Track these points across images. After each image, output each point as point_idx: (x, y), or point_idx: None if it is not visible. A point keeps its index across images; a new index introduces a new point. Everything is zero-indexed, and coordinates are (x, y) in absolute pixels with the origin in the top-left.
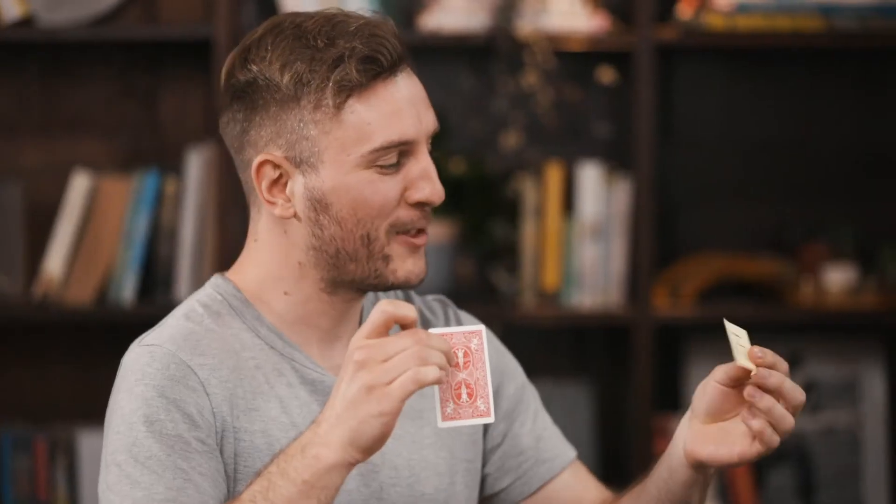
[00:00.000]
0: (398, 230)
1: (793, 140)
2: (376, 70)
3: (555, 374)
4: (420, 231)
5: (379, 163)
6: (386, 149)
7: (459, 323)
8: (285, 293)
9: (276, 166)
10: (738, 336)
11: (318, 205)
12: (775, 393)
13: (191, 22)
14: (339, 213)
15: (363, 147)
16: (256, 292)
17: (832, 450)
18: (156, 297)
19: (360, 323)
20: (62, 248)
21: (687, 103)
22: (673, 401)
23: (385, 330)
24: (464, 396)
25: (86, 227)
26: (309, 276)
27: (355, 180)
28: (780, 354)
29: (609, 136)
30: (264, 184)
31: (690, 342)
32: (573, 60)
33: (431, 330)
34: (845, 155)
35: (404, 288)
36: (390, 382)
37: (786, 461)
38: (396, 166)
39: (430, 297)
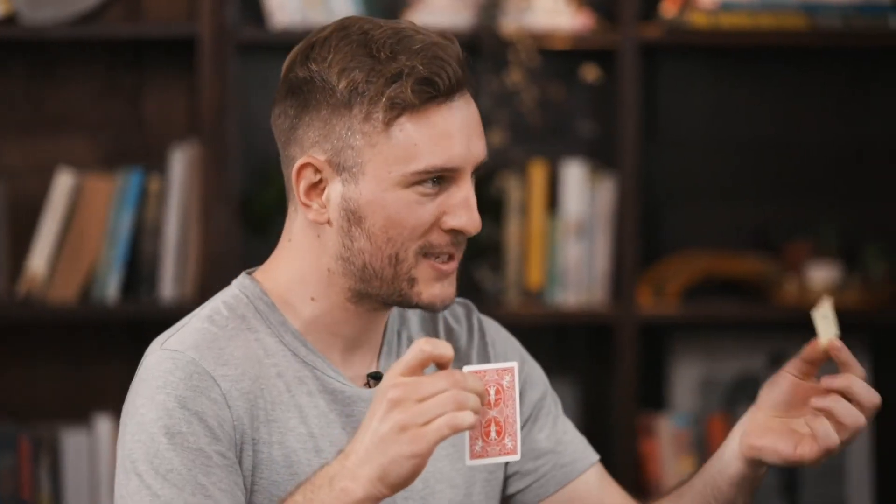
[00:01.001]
0: (427, 253)
1: (777, 138)
2: (431, 93)
3: None
4: (450, 257)
5: (419, 184)
6: (429, 172)
7: (482, 330)
8: (312, 298)
9: (318, 170)
10: (822, 314)
11: (353, 216)
12: (849, 391)
13: (174, 20)
14: (371, 228)
15: (407, 167)
16: (283, 295)
17: None
18: (140, 296)
19: (384, 334)
20: (46, 246)
21: (671, 102)
22: (657, 399)
23: (421, 369)
24: (493, 434)
25: (69, 225)
26: (337, 284)
27: (393, 198)
28: (764, 352)
29: (593, 134)
30: (303, 185)
31: (675, 341)
32: (557, 59)
33: (466, 368)
34: (829, 153)
35: (428, 310)
36: (425, 424)
37: None
38: (437, 190)
39: (456, 305)
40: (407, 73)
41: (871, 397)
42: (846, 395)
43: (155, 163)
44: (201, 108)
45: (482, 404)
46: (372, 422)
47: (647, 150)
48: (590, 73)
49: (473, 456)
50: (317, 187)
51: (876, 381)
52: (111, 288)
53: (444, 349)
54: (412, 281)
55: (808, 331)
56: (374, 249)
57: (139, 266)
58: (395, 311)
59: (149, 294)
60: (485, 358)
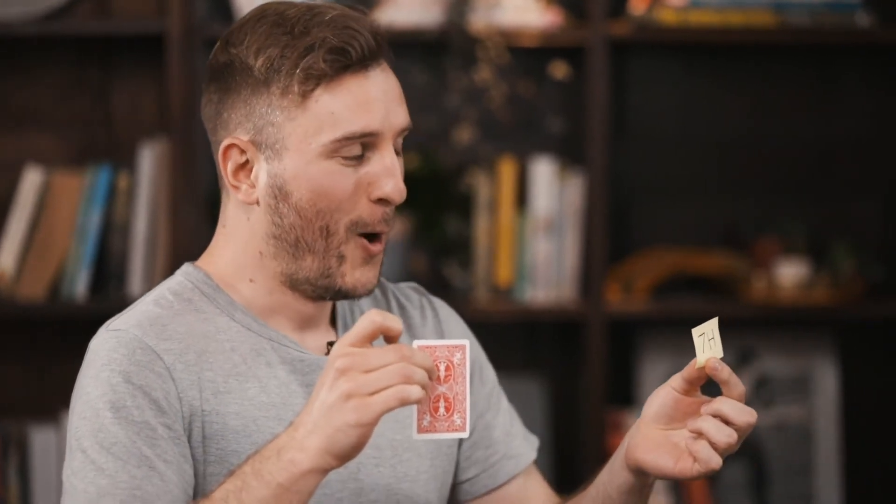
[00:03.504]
0: (359, 230)
1: (745, 135)
2: (344, 62)
3: (507, 369)
4: (377, 238)
5: (341, 153)
6: (348, 139)
7: (434, 310)
8: (251, 280)
9: (242, 151)
10: (703, 335)
11: (279, 192)
12: (720, 413)
13: (143, 16)
14: (298, 203)
15: (326, 136)
16: (226, 279)
17: (784, 445)
18: (108, 293)
19: (334, 311)
20: (14, 243)
21: (640, 98)
22: (625, 396)
23: (370, 339)
24: (441, 410)
25: (38, 222)
26: (269, 268)
27: (316, 169)
28: (733, 349)
29: (562, 131)
30: (230, 167)
31: (643, 337)
32: (526, 56)
33: (416, 343)
34: (798, 150)
35: (350, 297)
36: (371, 394)
37: (738, 456)
38: (360, 159)
39: (403, 284)
40: (319, 44)
41: (744, 417)
42: (722, 416)
43: (124, 160)
44: (170, 105)
45: (431, 379)
46: (320, 391)
47: (616, 147)
48: (559, 70)
49: (421, 430)
50: (244, 168)
51: (843, 377)
52: (80, 285)
53: (394, 322)
54: (341, 258)
55: (776, 327)
56: (305, 223)
57: (108, 263)
58: None
59: (118, 291)
60: (439, 335)
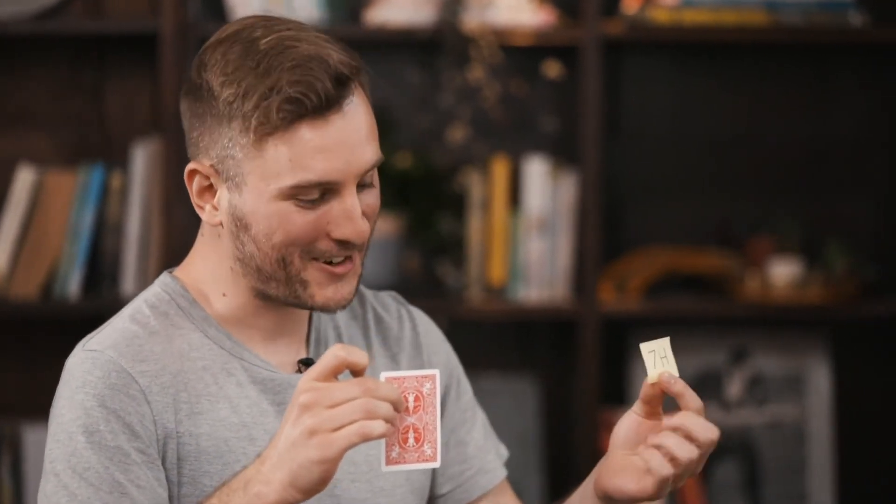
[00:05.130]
0: (314, 256)
1: (739, 134)
2: (299, 112)
3: (501, 369)
4: (347, 258)
5: (299, 197)
6: (304, 187)
7: (413, 320)
8: (223, 294)
9: (206, 176)
10: (653, 351)
11: (239, 222)
12: (682, 427)
13: (137, 16)
14: (256, 235)
15: (281, 182)
16: (200, 290)
17: (777, 443)
18: (101, 292)
19: (310, 322)
20: (7, 242)
21: (633, 98)
22: (619, 395)
23: (334, 374)
24: (410, 441)
25: (31, 221)
26: (241, 283)
27: (274, 209)
28: (727, 348)
29: (555, 130)
30: (195, 187)
31: (636, 336)
32: (519, 55)
33: (384, 374)
34: (791, 149)
35: (324, 312)
36: (334, 430)
37: (731, 455)
38: (318, 202)
39: (383, 293)
40: (277, 91)
41: (706, 432)
42: (683, 430)
43: (117, 159)
44: (163, 105)
45: (399, 412)
46: (285, 426)
47: (610, 146)
48: (552, 69)
49: (389, 462)
50: (209, 189)
51: (837, 377)
52: (73, 284)
53: (359, 356)
54: (304, 283)
55: (770, 326)
56: (263, 255)
57: (101, 262)
58: None
59: (110, 290)
60: (416, 346)
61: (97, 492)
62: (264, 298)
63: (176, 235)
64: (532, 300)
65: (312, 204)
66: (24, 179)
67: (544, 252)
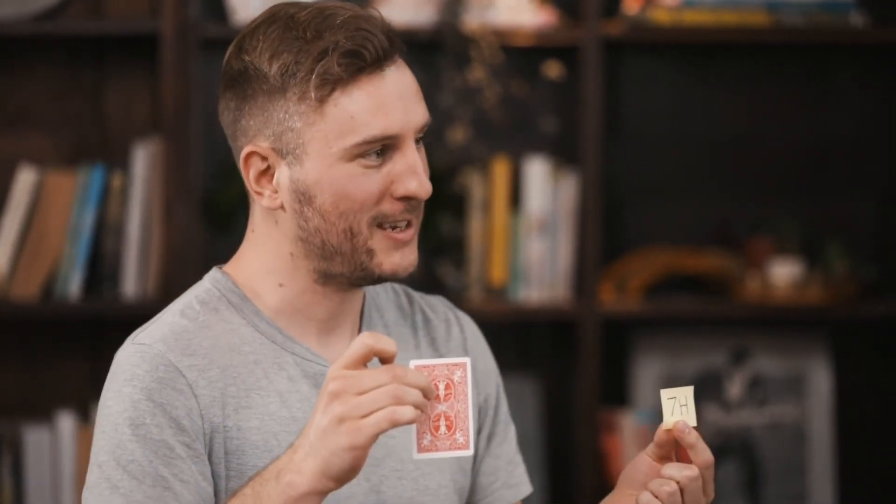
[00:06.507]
0: (381, 223)
1: (739, 135)
2: (359, 64)
3: (501, 369)
4: (408, 224)
5: (362, 157)
6: (369, 143)
7: (461, 327)
8: (280, 285)
9: (263, 157)
10: (674, 398)
11: (303, 197)
12: (663, 474)
13: (137, 16)
14: (322, 206)
15: (346, 140)
16: (252, 285)
17: (778, 444)
18: (102, 293)
19: (361, 315)
20: (7, 243)
21: (633, 98)
22: (619, 395)
23: (363, 362)
24: (442, 429)
25: (31, 222)
26: (301, 268)
27: (338, 173)
28: (727, 348)
29: (556, 131)
30: (252, 174)
31: (637, 337)
32: (520, 55)
33: (413, 362)
34: (791, 150)
35: (391, 280)
36: (363, 417)
37: (731, 455)
38: (381, 160)
39: (432, 297)
40: (332, 48)
41: (684, 472)
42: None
43: (117, 159)
44: (164, 105)
45: (429, 399)
46: (316, 415)
47: (610, 146)
48: (552, 69)
49: (421, 450)
50: (266, 174)
51: (837, 377)
52: (73, 285)
53: (387, 344)
54: (370, 253)
55: (770, 327)
56: (329, 226)
57: (101, 263)
58: (369, 299)
59: (111, 291)
60: (463, 351)
61: (140, 485)
62: (325, 281)
63: (176, 236)
64: (532, 300)
65: (376, 163)
66: (24, 180)
67: (544, 252)
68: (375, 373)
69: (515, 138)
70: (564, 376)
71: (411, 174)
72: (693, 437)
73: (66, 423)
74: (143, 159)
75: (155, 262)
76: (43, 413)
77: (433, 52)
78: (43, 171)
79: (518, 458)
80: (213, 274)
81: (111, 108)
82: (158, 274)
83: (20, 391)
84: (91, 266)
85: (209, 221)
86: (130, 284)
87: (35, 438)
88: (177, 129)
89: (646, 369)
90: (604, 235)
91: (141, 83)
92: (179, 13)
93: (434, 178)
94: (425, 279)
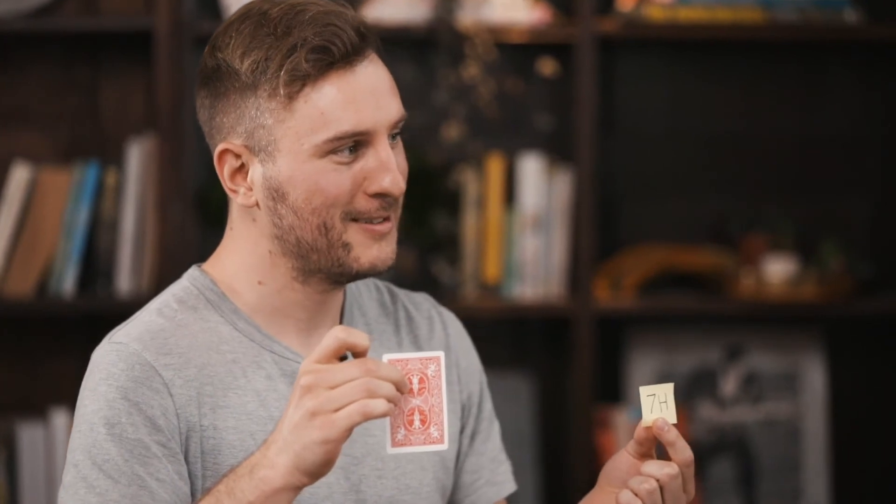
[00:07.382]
0: (354, 218)
1: (734, 132)
2: (328, 60)
3: (496, 366)
4: (385, 219)
5: (334, 152)
6: (340, 138)
7: (444, 325)
8: (259, 282)
9: (237, 155)
10: (654, 395)
11: (276, 194)
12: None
13: (131, 13)
14: (295, 203)
15: (317, 137)
16: (231, 283)
17: (772, 441)
18: (96, 289)
19: (342, 313)
20: (2, 240)
21: (628, 95)
22: (614, 392)
23: (335, 356)
24: (416, 423)
25: (26, 218)
26: (280, 265)
27: (310, 169)
28: (721, 345)
29: (550, 128)
30: (226, 171)
31: (631, 334)
32: (514, 52)
33: (387, 356)
34: (786, 147)
35: (371, 275)
36: (336, 410)
37: (726, 452)
38: (353, 156)
39: (416, 294)
40: (301, 44)
41: (664, 469)
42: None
43: (111, 156)
44: (158, 102)
45: (402, 392)
46: (289, 410)
47: (605, 143)
48: (547, 66)
49: (395, 444)
50: (240, 171)
51: (831, 374)
52: (68, 282)
53: (359, 337)
54: (347, 247)
55: (765, 324)
56: (302, 223)
57: (96, 260)
58: (351, 296)
59: (105, 288)
60: (446, 348)
61: (115, 484)
62: (305, 279)
63: (171, 232)
64: (527, 298)
65: (348, 159)
66: (18, 177)
67: (539, 249)
68: (347, 367)
69: (510, 135)
70: (559, 373)
71: (384, 171)
72: (673, 435)
73: (59, 420)
74: (137, 156)
75: (149, 258)
76: (37, 410)
77: (427, 50)
78: (37, 167)
79: (503, 457)
80: (192, 272)
81: (105, 105)
82: (153, 271)
83: (14, 388)
84: (85, 263)
85: (203, 218)
86: (125, 281)
87: (29, 435)
88: (171, 127)
89: (640, 366)
90: (598, 232)
91: (135, 80)
92: (174, 10)
93: (428, 174)
94: (420, 277)
